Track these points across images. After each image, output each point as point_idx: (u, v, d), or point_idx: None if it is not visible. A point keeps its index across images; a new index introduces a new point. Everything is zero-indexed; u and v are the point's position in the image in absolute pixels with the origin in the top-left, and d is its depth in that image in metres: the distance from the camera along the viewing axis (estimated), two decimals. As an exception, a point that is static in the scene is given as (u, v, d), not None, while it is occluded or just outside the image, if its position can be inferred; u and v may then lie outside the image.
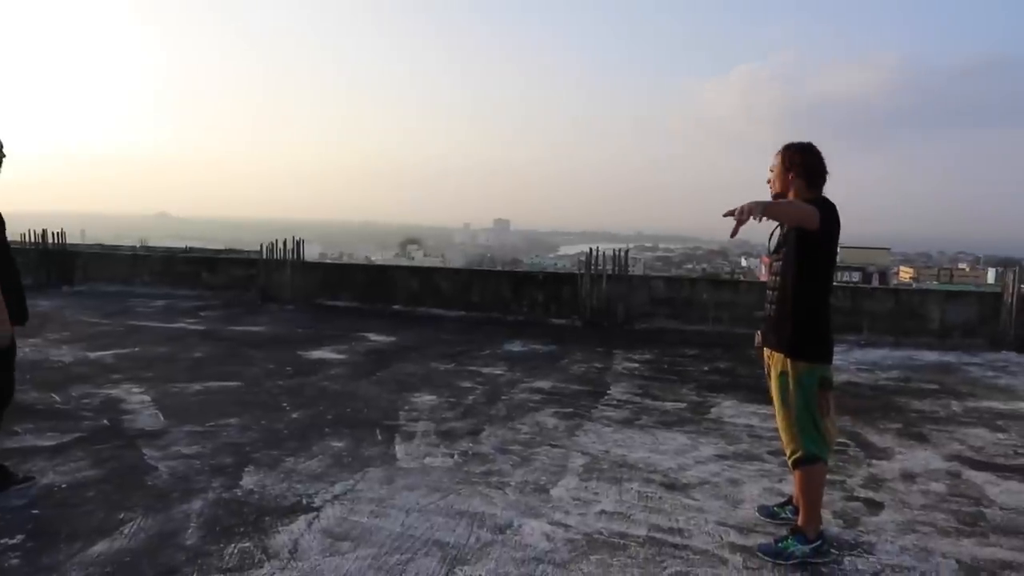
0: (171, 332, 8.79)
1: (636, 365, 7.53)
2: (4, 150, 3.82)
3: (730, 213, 2.87)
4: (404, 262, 58.39)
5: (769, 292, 3.43)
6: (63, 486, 3.89)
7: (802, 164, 3.30)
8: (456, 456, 4.49)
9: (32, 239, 14.11)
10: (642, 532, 3.47)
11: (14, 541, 3.26)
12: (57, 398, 5.62)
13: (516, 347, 8.36)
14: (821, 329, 3.27)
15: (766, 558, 3.21)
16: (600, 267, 10.58)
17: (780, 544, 3.25)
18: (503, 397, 5.99)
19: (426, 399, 5.85)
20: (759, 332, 3.53)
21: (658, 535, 3.44)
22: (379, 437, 4.83)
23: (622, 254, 10.85)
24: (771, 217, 3.06)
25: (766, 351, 3.46)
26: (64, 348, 7.57)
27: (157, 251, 16.77)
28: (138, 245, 14.41)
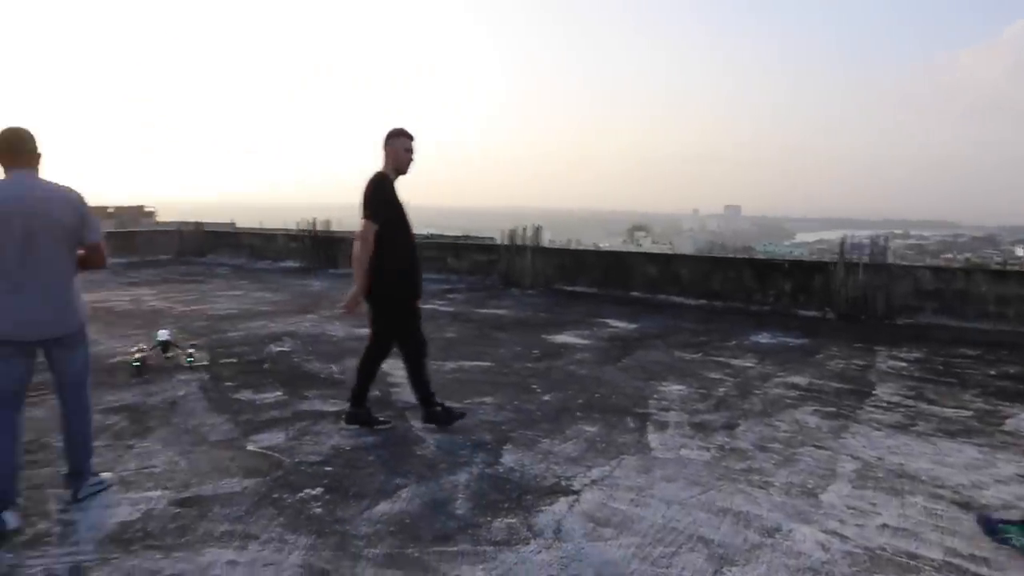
0: (424, 312, 9.40)
1: (904, 364, 6.81)
2: (414, 154, 4.55)
3: None
4: (633, 249, 58.20)
5: None
6: (348, 448, 4.31)
7: None
8: (713, 450, 4.33)
9: (306, 228, 15.89)
10: (937, 555, 3.10)
11: (315, 492, 3.66)
12: (336, 369, 6.25)
13: (764, 338, 7.94)
14: None
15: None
16: (854, 255, 9.73)
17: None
18: (756, 391, 5.69)
19: (674, 388, 5.73)
20: None
21: (958, 561, 3.05)
22: (631, 424, 4.80)
23: (882, 241, 9.90)
24: None
25: None
26: (336, 324, 8.42)
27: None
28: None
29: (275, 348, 7.07)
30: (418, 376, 4.69)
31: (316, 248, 15.30)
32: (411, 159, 4.61)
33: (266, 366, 6.34)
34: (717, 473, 3.97)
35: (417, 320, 4.72)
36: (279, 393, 5.46)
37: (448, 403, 4.78)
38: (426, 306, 9.89)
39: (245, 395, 5.40)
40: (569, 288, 11.78)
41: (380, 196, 4.46)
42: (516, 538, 3.21)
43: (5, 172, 3.30)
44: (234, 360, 6.52)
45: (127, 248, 16.83)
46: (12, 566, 2.96)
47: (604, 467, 4.04)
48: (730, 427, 4.77)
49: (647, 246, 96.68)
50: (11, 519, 3.22)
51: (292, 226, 16.70)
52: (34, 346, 3.37)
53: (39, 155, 3.37)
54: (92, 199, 3.63)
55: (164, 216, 32.04)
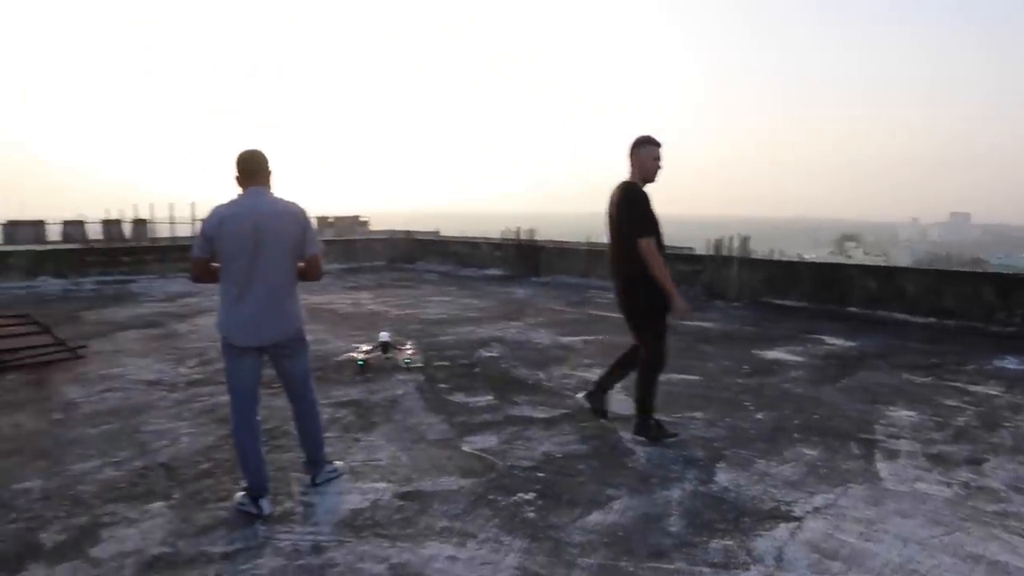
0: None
1: None
2: (661, 162, 4.56)
3: None
4: (841, 260, 54.25)
5: None
6: (559, 456, 4.37)
7: None
8: (955, 486, 3.90)
9: (510, 237, 16.41)
10: None
11: (528, 497, 3.75)
12: (543, 376, 6.37)
13: (1011, 364, 7.04)
14: None
15: None
16: None
17: None
18: (1006, 423, 5.06)
19: (904, 414, 5.24)
20: None
21: None
22: (855, 451, 4.45)
23: None
24: None
25: None
26: (541, 332, 8.59)
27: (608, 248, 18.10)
28: (583, 241, 15.71)
29: (484, 353, 7.34)
30: (646, 387, 4.66)
31: (520, 256, 15.75)
32: (659, 167, 4.56)
33: (477, 370, 6.61)
34: (963, 513, 3.56)
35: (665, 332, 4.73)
36: (490, 397, 5.66)
37: (659, 417, 4.70)
38: (628, 316, 9.86)
39: (458, 397, 5.66)
40: (778, 302, 11.19)
41: (645, 208, 4.49)
42: (734, 562, 3.08)
43: (242, 189, 3.64)
44: (447, 363, 6.85)
45: (347, 254, 18.32)
46: (266, 538, 3.31)
47: (828, 494, 3.77)
48: (975, 462, 4.27)
49: (858, 257, 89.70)
50: (266, 506, 3.59)
51: (495, 235, 17.32)
52: (259, 350, 3.66)
53: (270, 173, 3.69)
54: (313, 210, 3.96)
55: (375, 225, 34.56)
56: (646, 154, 4.52)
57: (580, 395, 5.31)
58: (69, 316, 9.83)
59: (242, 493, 3.66)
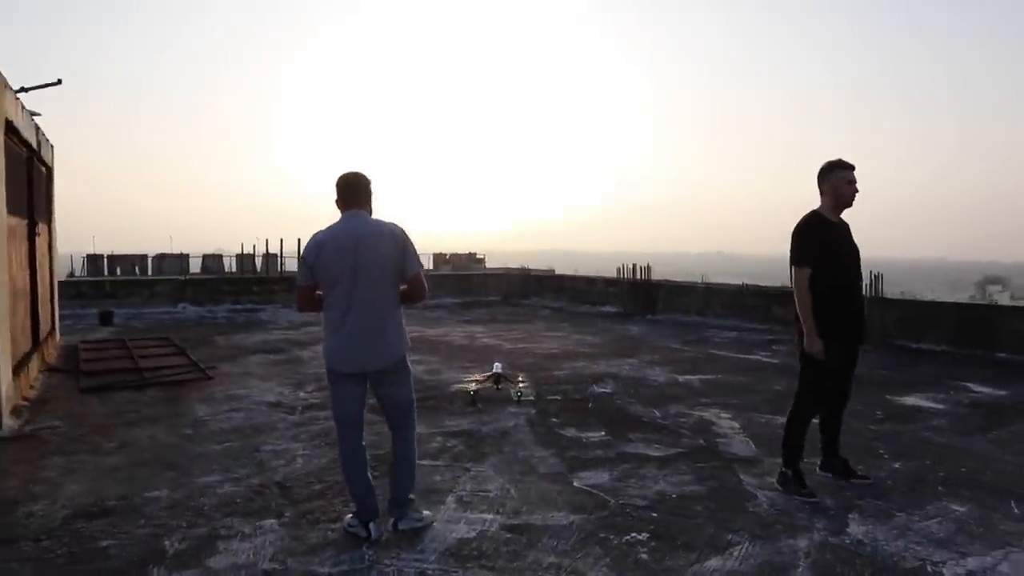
0: (747, 363, 8.96)
1: None
2: (856, 184, 4.26)
3: None
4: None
5: None
6: (674, 496, 4.14)
7: None
8: None
9: (624, 274, 16.18)
10: None
11: (641, 537, 3.55)
12: (658, 414, 6.13)
13: None
14: None
15: None
16: None
17: None
18: None
19: (1072, 471, 4.66)
20: None
21: None
22: (1015, 510, 3.97)
23: None
24: None
25: None
26: (656, 369, 8.33)
27: (725, 287, 17.53)
28: (699, 280, 15.27)
29: (597, 389, 7.17)
30: (785, 433, 4.38)
31: (635, 293, 15.48)
32: (855, 191, 4.26)
33: (590, 405, 6.45)
34: None
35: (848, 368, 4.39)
36: (603, 433, 5.48)
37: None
38: (749, 356, 9.45)
39: (570, 432, 5.52)
40: (914, 345, 10.40)
41: (808, 235, 4.21)
42: (873, 625, 2.77)
43: (342, 211, 3.60)
44: (559, 397, 6.73)
45: (463, 289, 18.63)
46: (372, 562, 3.28)
47: (984, 557, 3.36)
48: None
49: (1004, 302, 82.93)
50: (374, 530, 3.53)
51: (611, 273, 17.12)
52: (362, 376, 3.58)
53: (371, 195, 3.64)
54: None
55: (490, 263, 35.14)
56: (840, 179, 4.23)
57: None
58: (203, 340, 10.43)
59: (351, 516, 3.65)
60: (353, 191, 3.60)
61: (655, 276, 16.12)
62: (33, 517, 3.81)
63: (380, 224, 3.57)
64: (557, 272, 22.95)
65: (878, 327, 10.79)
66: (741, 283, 19.08)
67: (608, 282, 16.78)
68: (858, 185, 4.26)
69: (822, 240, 4.18)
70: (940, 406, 6.58)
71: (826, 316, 4.15)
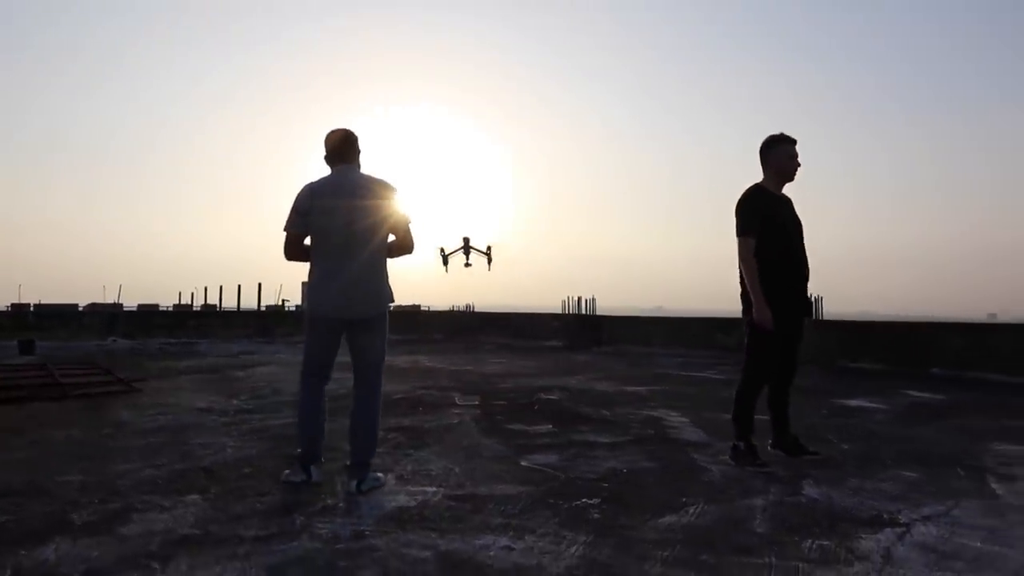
0: (695, 379, 8.94)
1: None
2: (798, 159, 4.25)
3: None
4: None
5: None
6: (625, 471, 3.99)
7: None
8: (1090, 504, 3.37)
9: (569, 308, 16.20)
10: None
11: (592, 502, 3.38)
12: (607, 413, 6.00)
13: None
14: None
15: None
16: None
17: None
18: None
19: (1014, 448, 4.67)
20: None
21: None
22: (962, 473, 3.94)
23: None
24: None
25: None
26: (604, 383, 8.23)
27: (669, 317, 17.69)
28: (652, 308, 15.38)
29: (544, 396, 7.02)
30: (735, 403, 4.28)
31: (581, 326, 15.45)
32: (797, 164, 4.23)
33: (536, 408, 6.28)
34: (1106, 525, 3.04)
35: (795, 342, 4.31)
36: (550, 426, 5.33)
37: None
38: (697, 374, 9.42)
39: (517, 426, 5.34)
40: (852, 365, 10.56)
41: (750, 206, 4.15)
42: (833, 558, 2.65)
43: (331, 167, 3.65)
44: (504, 402, 6.55)
45: (408, 327, 18.35)
46: (304, 526, 3.02)
47: (937, 506, 3.29)
48: (1109, 485, 3.71)
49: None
50: (315, 473, 3.51)
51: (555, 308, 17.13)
52: (343, 325, 3.60)
53: (359, 152, 3.71)
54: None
55: (435, 303, 35.00)
56: (782, 153, 4.22)
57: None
58: (133, 364, 9.92)
59: (289, 471, 3.55)
60: (347, 146, 3.65)
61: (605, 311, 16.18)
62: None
63: (371, 178, 3.64)
64: (501, 311, 22.86)
65: (818, 348, 10.93)
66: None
67: (553, 316, 16.74)
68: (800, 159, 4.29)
69: (766, 211, 4.16)
70: (883, 406, 6.62)
71: (773, 286, 4.10)
